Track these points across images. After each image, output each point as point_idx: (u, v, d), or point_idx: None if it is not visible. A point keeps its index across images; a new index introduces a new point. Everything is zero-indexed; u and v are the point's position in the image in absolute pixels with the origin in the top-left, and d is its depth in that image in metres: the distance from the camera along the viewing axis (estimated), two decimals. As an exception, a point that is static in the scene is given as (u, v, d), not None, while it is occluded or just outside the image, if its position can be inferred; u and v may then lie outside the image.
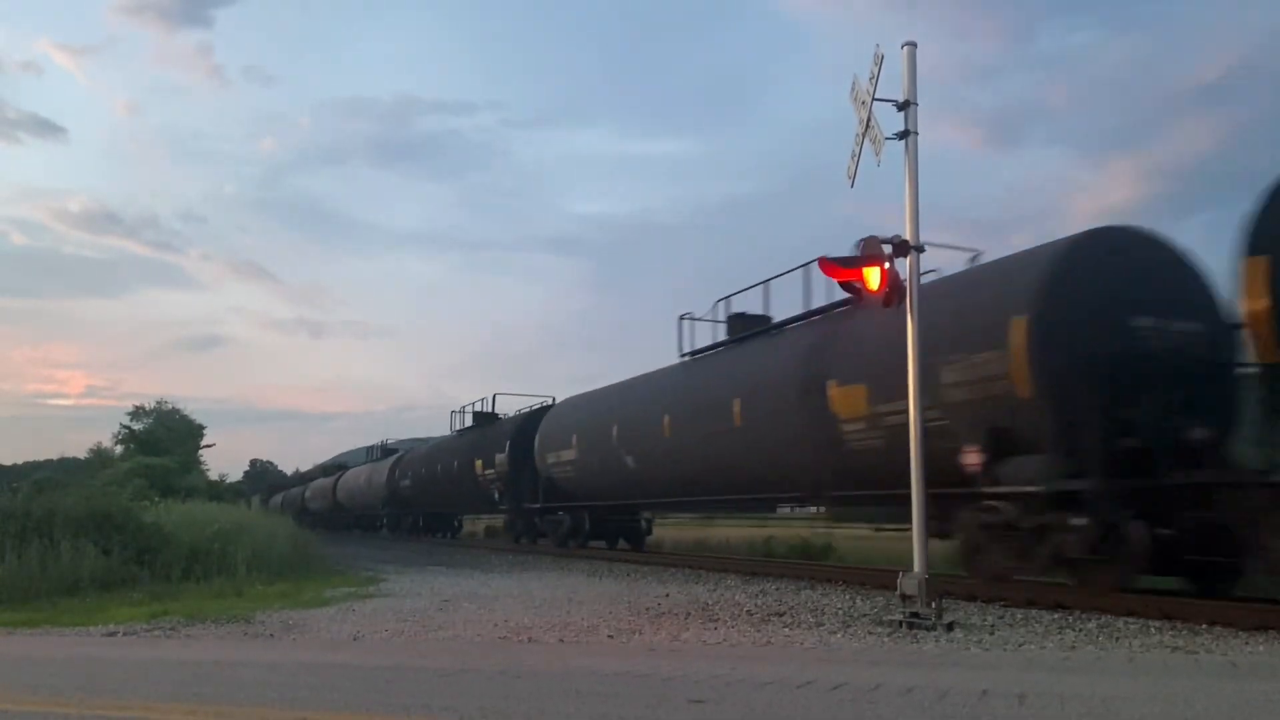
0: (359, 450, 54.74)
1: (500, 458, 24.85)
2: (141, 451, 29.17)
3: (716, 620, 8.75)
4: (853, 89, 8.78)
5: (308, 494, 53.60)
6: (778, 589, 11.80)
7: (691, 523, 28.72)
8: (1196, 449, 8.65)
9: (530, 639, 7.69)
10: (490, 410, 29.08)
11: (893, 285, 8.33)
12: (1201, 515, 8.53)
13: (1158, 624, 7.92)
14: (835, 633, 7.85)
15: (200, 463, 31.72)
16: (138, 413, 31.00)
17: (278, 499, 59.71)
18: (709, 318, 16.80)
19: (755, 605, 9.91)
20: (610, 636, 7.80)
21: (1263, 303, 8.07)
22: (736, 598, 10.77)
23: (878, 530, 20.78)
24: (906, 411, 8.57)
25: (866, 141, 8.51)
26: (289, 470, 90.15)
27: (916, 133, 8.38)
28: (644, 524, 22.17)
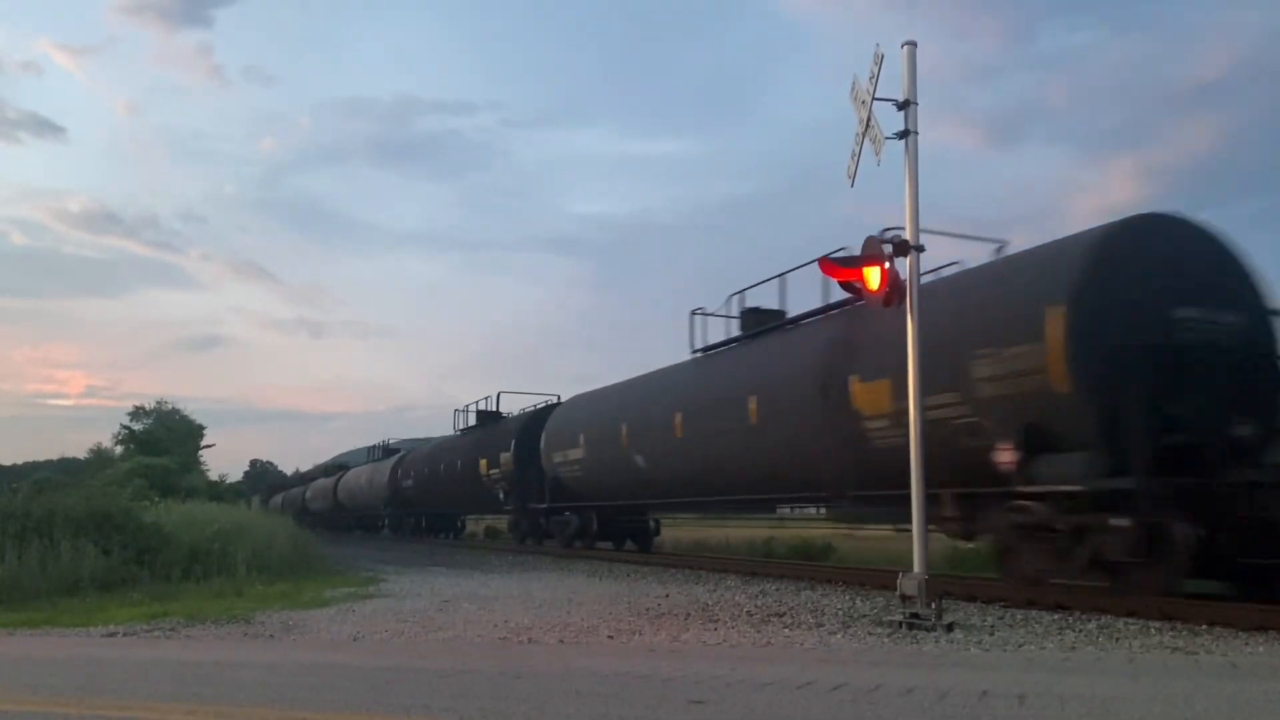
0: (359, 450, 54.68)
1: (505, 457, 24.58)
2: (141, 452, 29.19)
3: (716, 621, 8.75)
4: (853, 89, 8.78)
5: (308, 494, 53.55)
6: (778, 589, 11.80)
7: (691, 523, 28.52)
8: (1243, 446, 8.35)
9: (530, 639, 7.69)
10: (494, 409, 28.75)
11: (893, 285, 8.33)
12: (1249, 515, 8.18)
13: (1158, 624, 7.91)
14: (835, 633, 7.85)
15: (200, 463, 31.78)
16: (138, 413, 31.06)
17: (278, 499, 59.69)
18: (721, 313, 16.32)
19: (755, 606, 9.91)
20: (610, 637, 7.80)
21: None
22: (736, 598, 10.76)
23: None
24: (933, 408, 8.41)
25: (866, 141, 8.51)
26: (289, 470, 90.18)
27: (916, 132, 8.38)
28: (652, 525, 21.83)
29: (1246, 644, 6.92)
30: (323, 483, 51.14)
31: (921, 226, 8.37)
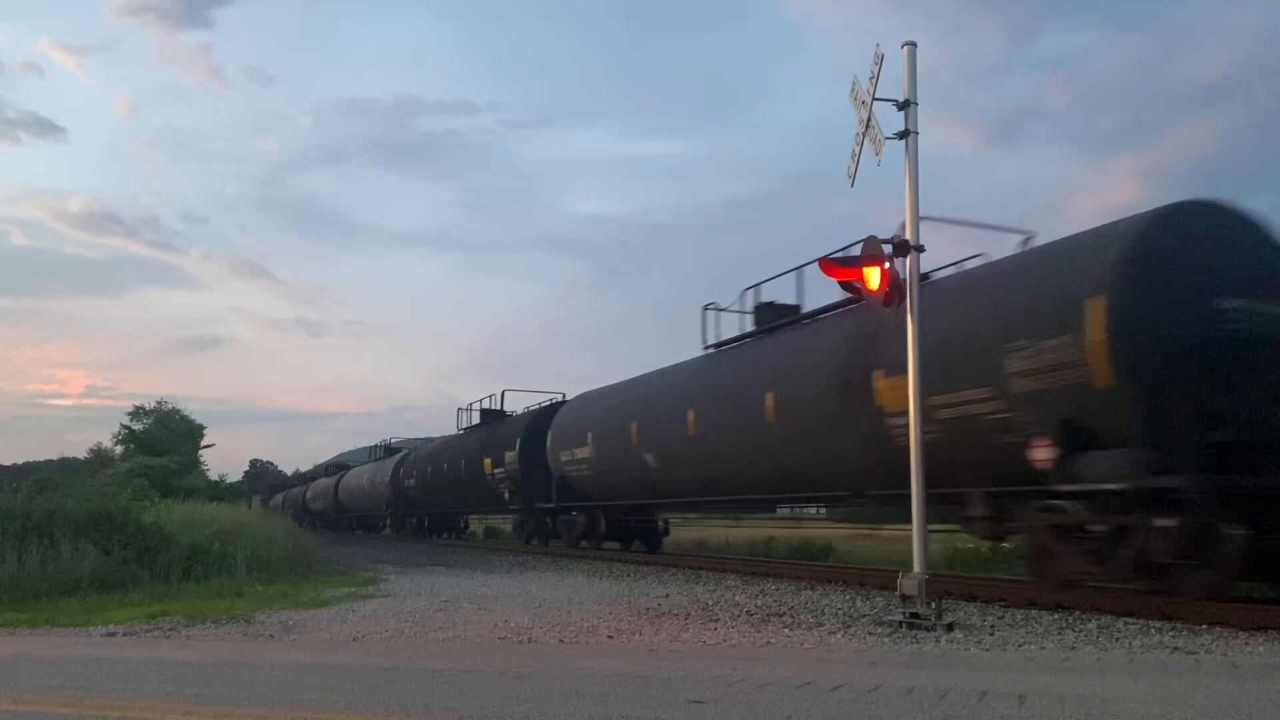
0: (359, 450, 54.69)
1: (510, 456, 24.29)
2: (141, 452, 29.22)
3: (716, 621, 8.75)
4: (853, 89, 8.78)
5: (309, 494, 53.54)
6: (778, 589, 11.80)
7: (692, 523, 28.45)
8: None
9: (530, 639, 7.69)
10: (499, 408, 28.40)
11: (893, 285, 8.32)
12: None
13: (1158, 624, 7.91)
14: (835, 633, 7.85)
15: (200, 463, 31.81)
16: (138, 413, 31.10)
17: (278, 499, 59.70)
18: (735, 308, 15.85)
19: (755, 606, 9.91)
20: (610, 637, 7.80)
21: None
22: (736, 598, 10.76)
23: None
24: (963, 404, 8.22)
25: (866, 141, 8.51)
26: (289, 470, 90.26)
27: (917, 132, 8.38)
28: (661, 525, 21.48)
29: (1246, 644, 6.92)
30: (323, 482, 51.11)
31: (947, 217, 8.24)
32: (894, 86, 8.45)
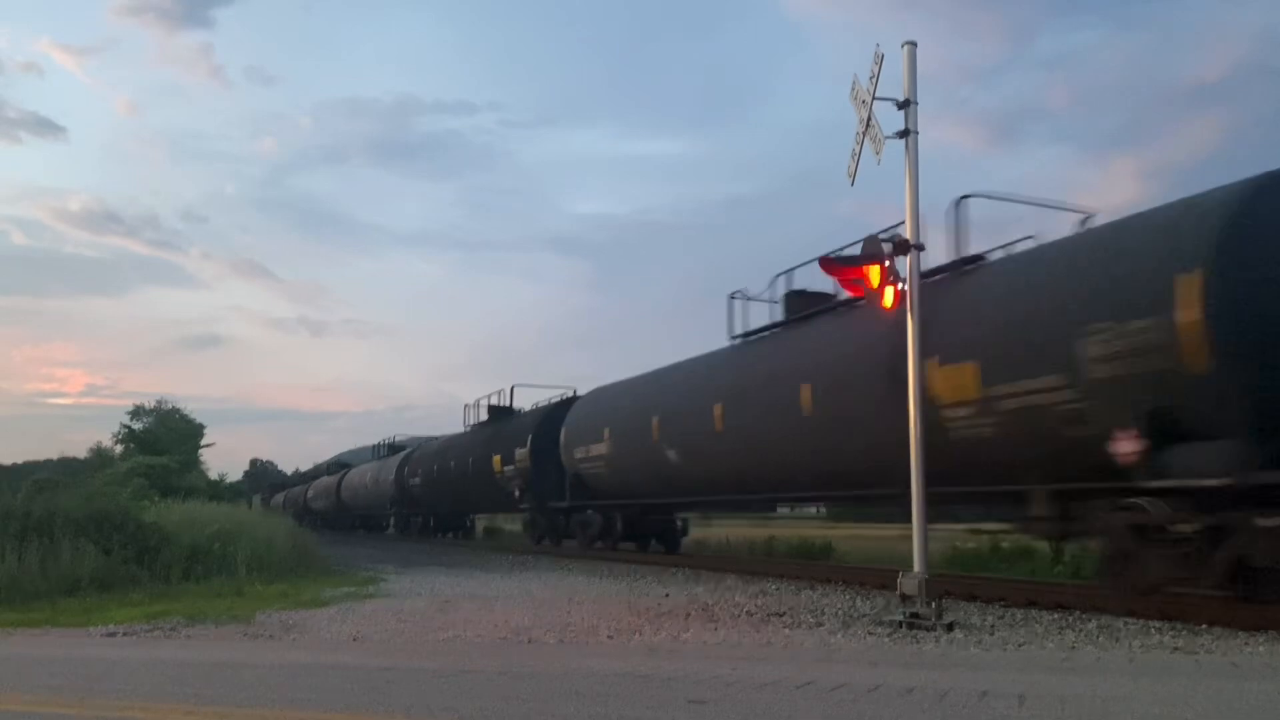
0: (361, 449, 54.52)
1: (521, 453, 23.59)
2: (141, 451, 29.24)
3: (716, 620, 8.75)
4: (853, 88, 8.78)
5: (310, 493, 53.41)
6: (778, 589, 11.80)
7: (699, 524, 28.13)
8: None
9: (530, 639, 7.69)
10: (508, 404, 27.55)
11: (894, 284, 8.31)
12: None
13: (1158, 624, 7.91)
14: (835, 633, 7.85)
15: (200, 462, 31.82)
16: (138, 412, 31.12)
17: (279, 498, 59.67)
18: (764, 297, 15.06)
19: (755, 605, 9.90)
20: (610, 637, 7.80)
21: None
22: (736, 598, 10.76)
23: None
24: (1028, 393, 7.71)
25: (867, 141, 8.51)
26: (289, 470, 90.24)
27: (917, 132, 8.38)
28: (680, 524, 20.59)
29: (1246, 644, 6.92)
30: (325, 481, 50.98)
31: (998, 194, 8.04)
32: (894, 86, 8.45)
